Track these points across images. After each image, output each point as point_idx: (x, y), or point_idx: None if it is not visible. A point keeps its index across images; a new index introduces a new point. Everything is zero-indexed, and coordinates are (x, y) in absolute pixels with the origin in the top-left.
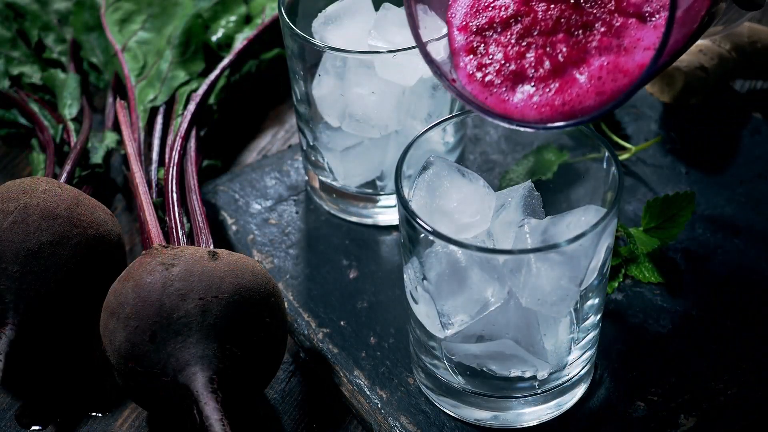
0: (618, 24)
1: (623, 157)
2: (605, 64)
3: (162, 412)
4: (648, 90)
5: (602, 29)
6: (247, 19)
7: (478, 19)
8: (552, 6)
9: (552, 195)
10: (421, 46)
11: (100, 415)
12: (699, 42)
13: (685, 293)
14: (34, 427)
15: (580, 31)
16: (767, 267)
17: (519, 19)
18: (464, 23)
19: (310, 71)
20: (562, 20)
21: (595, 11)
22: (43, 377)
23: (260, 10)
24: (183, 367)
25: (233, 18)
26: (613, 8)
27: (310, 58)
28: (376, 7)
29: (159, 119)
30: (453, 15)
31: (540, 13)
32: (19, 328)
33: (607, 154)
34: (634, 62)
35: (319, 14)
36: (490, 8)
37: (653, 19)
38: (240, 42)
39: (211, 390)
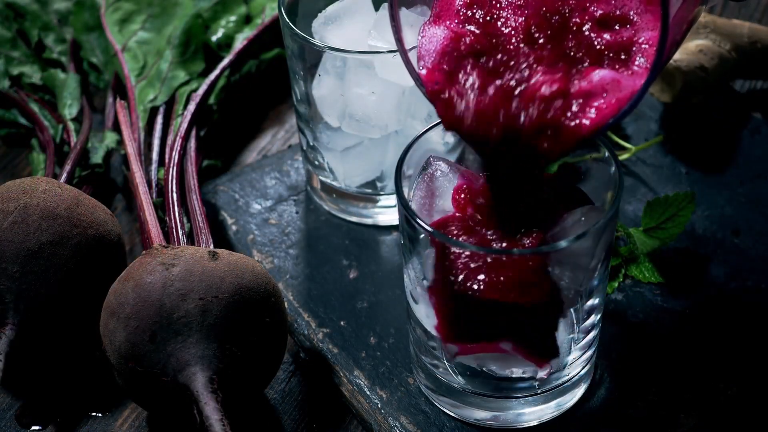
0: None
1: (623, 157)
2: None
3: (162, 412)
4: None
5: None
6: (247, 19)
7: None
8: (520, 63)
9: None
10: (403, 52)
11: (100, 415)
12: (699, 42)
13: (685, 293)
14: (34, 427)
15: (560, 100)
16: (767, 267)
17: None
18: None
19: (310, 71)
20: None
21: (569, 53)
22: (43, 377)
23: (260, 10)
24: (183, 367)
25: (233, 18)
26: (582, 54)
27: (310, 58)
28: (376, 7)
29: (159, 119)
30: (423, 63)
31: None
32: (19, 328)
33: (607, 154)
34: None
35: (319, 14)
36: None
37: (627, 57)
38: (240, 42)
39: (211, 390)
